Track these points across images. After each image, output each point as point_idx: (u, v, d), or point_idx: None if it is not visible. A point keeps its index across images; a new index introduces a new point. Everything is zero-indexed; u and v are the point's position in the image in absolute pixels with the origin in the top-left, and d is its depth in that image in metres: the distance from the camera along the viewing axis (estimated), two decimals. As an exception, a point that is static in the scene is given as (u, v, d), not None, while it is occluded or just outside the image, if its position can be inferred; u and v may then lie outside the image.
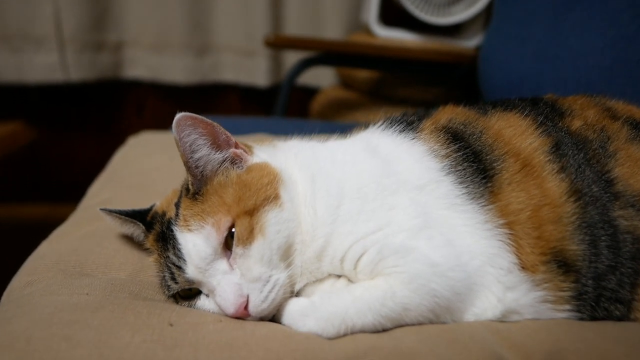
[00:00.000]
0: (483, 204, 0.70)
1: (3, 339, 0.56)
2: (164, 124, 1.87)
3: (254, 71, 2.36)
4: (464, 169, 0.73)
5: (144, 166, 0.98)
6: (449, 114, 0.81)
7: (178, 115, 0.66)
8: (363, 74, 2.03)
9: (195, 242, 0.66)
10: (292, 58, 2.27)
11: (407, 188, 0.72)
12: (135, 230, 0.81)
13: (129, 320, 0.60)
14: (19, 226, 2.29)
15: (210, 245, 0.66)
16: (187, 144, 0.67)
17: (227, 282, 0.65)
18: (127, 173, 1.03)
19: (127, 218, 0.80)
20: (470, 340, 0.61)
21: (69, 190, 2.24)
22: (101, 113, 2.48)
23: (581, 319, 0.68)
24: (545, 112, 0.80)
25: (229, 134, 0.71)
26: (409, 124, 0.80)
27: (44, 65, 2.27)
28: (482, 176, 0.72)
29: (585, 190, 0.70)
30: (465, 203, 0.70)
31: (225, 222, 0.66)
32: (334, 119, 2.06)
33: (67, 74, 2.28)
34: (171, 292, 0.70)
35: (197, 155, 0.68)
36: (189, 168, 0.69)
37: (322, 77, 2.39)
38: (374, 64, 1.90)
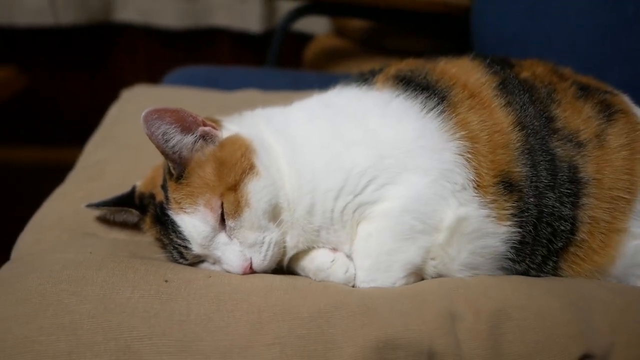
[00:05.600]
0: (440, 110, 0.77)
1: (20, 293, 0.64)
2: (156, 70, 1.88)
3: (247, 16, 2.34)
4: (414, 93, 0.80)
5: (139, 125, 1.02)
6: (397, 66, 0.88)
7: (144, 113, 0.70)
8: (357, 23, 2.01)
9: (194, 224, 0.73)
10: (286, 3, 2.24)
11: (357, 120, 0.79)
12: (128, 216, 0.86)
13: (129, 277, 0.68)
14: (13, 169, 2.34)
15: (209, 224, 0.73)
16: (160, 136, 0.72)
17: (230, 251, 0.74)
18: (123, 131, 1.08)
19: (117, 208, 0.85)
20: (430, 295, 0.69)
21: (62, 135, 2.28)
22: (93, 57, 2.47)
23: (522, 235, 0.75)
24: (494, 59, 0.87)
25: (194, 114, 0.75)
26: (364, 80, 0.87)
27: (33, 7, 2.24)
28: (434, 97, 0.79)
29: (527, 123, 0.78)
30: (418, 115, 0.77)
31: (216, 201, 0.72)
32: (328, 69, 2.07)
33: (57, 17, 2.25)
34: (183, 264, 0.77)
35: (171, 143, 0.73)
36: (167, 156, 0.74)
37: (316, 24, 2.37)
38: (369, 14, 1.89)
